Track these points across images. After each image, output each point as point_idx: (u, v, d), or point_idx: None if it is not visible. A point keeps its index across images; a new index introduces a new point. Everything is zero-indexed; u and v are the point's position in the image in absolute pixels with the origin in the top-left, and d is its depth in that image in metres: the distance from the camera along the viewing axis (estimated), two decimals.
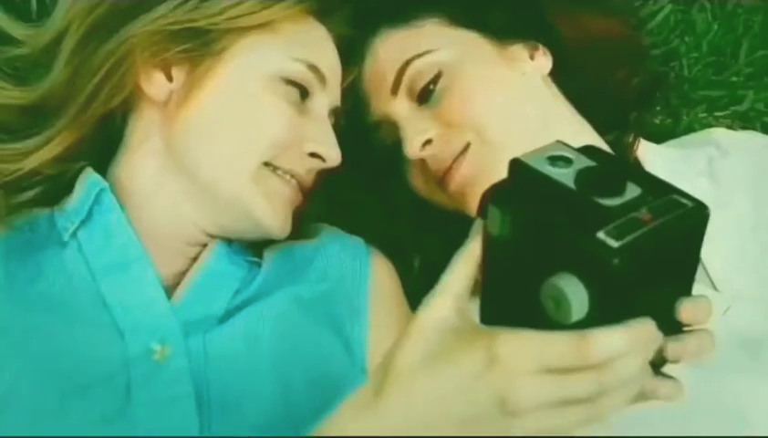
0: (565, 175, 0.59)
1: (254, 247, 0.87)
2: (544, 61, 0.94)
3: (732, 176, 0.98)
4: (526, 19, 0.94)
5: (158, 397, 0.72)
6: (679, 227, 0.57)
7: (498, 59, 0.91)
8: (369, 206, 1.02)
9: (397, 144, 0.92)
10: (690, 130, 1.18)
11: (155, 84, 0.82)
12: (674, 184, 0.99)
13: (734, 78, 1.23)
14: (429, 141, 0.89)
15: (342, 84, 0.91)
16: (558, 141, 0.62)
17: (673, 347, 0.61)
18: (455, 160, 0.88)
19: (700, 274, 0.91)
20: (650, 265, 0.56)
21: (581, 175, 0.58)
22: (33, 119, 0.83)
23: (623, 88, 1.04)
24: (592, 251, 0.54)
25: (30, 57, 0.85)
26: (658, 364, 0.62)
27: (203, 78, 0.81)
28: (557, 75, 0.96)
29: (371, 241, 0.92)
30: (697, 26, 1.23)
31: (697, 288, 0.89)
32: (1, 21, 0.86)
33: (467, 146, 0.88)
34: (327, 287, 0.84)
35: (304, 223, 0.89)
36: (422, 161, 0.91)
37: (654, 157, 1.00)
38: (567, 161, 0.60)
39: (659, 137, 1.11)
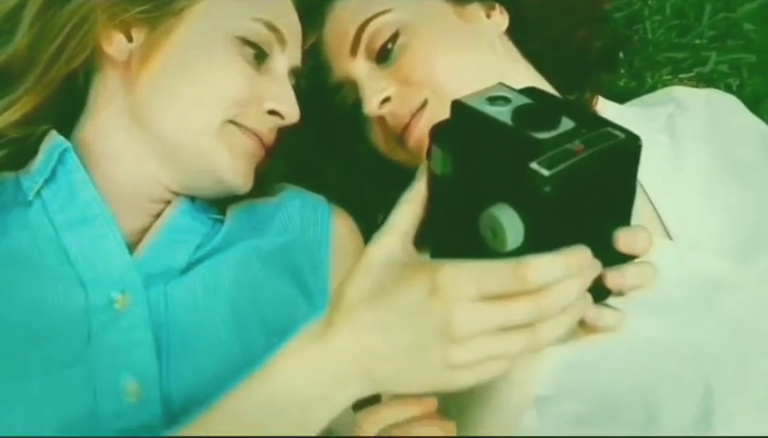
0: (502, 113, 0.60)
1: (217, 205, 0.89)
2: (500, 20, 0.96)
3: (690, 130, 1.00)
4: None
5: (116, 343, 0.74)
6: (611, 157, 0.59)
7: (454, 18, 0.93)
8: (332, 166, 1.04)
9: (358, 104, 0.93)
10: (654, 91, 1.20)
11: (115, 44, 0.84)
12: None
13: (697, 41, 1.25)
14: (387, 99, 0.91)
15: (303, 47, 0.92)
16: (500, 83, 0.64)
17: (612, 276, 0.62)
18: (413, 116, 0.90)
19: (655, 225, 0.94)
20: (583, 194, 0.58)
21: (517, 112, 0.60)
22: None
23: (583, 49, 1.06)
24: (525, 180, 0.56)
25: None
26: (601, 296, 0.64)
27: (163, 39, 0.82)
28: (515, 34, 0.98)
29: (334, 200, 0.94)
30: None
31: (653, 239, 0.91)
32: None
33: (424, 103, 0.90)
34: (288, 240, 0.87)
35: (267, 183, 0.91)
36: (382, 119, 0.93)
37: (614, 115, 1.02)
38: (506, 101, 0.62)
39: (623, 99, 1.13)
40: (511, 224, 0.57)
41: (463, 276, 0.57)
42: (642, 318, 0.86)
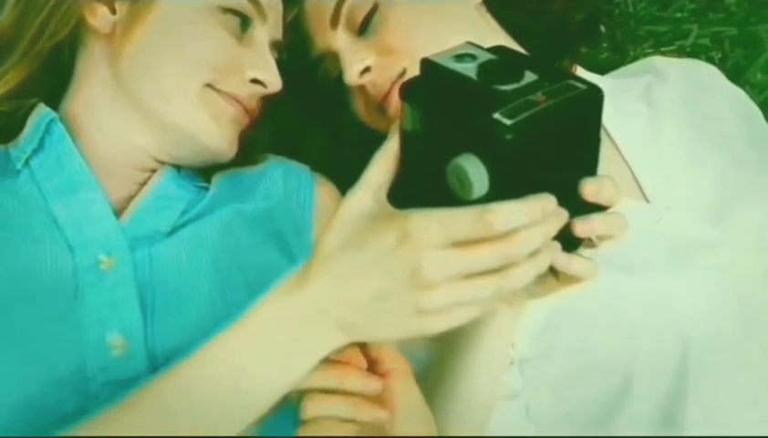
0: (468, 69, 0.63)
1: (203, 175, 0.91)
2: None
3: (668, 98, 1.02)
4: None
5: (102, 300, 0.76)
6: (572, 107, 0.61)
7: None
8: (315, 137, 1.06)
9: (340, 76, 0.96)
10: None
11: (99, 16, 0.86)
12: (612, 110, 1.03)
13: (679, 14, 1.27)
14: (367, 69, 0.93)
15: (284, 21, 0.94)
16: (468, 42, 0.66)
17: (580, 223, 0.65)
18: (393, 84, 0.92)
19: (632, 189, 0.96)
20: (546, 143, 0.60)
21: (482, 67, 0.63)
22: None
23: (562, 22, 1.07)
24: (488, 130, 0.58)
25: None
26: (571, 247, 0.67)
27: (144, 10, 0.84)
28: (492, 5, 1.00)
29: (317, 169, 0.96)
30: None
31: (630, 202, 0.94)
32: None
33: (403, 72, 0.92)
34: (271, 205, 0.89)
35: (251, 152, 0.93)
36: (363, 89, 0.95)
37: None
38: (473, 57, 0.64)
39: (605, 72, 1.14)
40: (476, 172, 0.60)
41: (432, 223, 0.60)
42: (619, 276, 0.89)
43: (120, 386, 0.68)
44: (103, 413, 0.66)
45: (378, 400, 0.70)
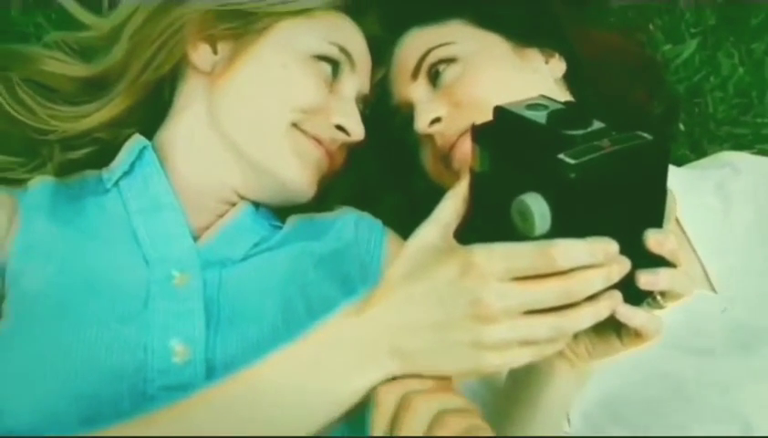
0: (538, 116, 0.66)
1: (279, 216, 0.95)
2: (558, 67, 1.01)
3: (741, 190, 1.02)
4: (544, 28, 1.01)
5: (170, 309, 0.80)
6: (637, 155, 0.63)
7: (513, 56, 0.98)
8: (392, 195, 1.09)
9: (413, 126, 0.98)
10: None
11: (201, 55, 0.91)
12: (685, 202, 1.04)
13: (759, 119, 1.27)
14: (437, 119, 0.95)
15: (372, 80, 0.99)
16: (541, 95, 0.70)
17: (645, 275, 0.65)
18: (460, 137, 0.94)
19: (701, 280, 0.96)
20: (609, 187, 0.62)
21: (552, 114, 0.66)
22: (93, 89, 0.93)
23: (640, 113, 1.09)
24: (552, 169, 0.61)
25: (95, 40, 0.96)
26: (635, 301, 0.67)
27: (243, 50, 0.90)
28: (572, 83, 1.03)
29: (391, 226, 0.98)
30: (722, 68, 1.28)
31: (697, 291, 0.94)
32: (74, 10, 0.98)
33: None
34: (341, 247, 0.91)
35: (328, 200, 0.97)
36: (431, 139, 0.97)
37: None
38: (544, 107, 0.67)
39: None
40: (539, 209, 0.62)
41: (495, 255, 0.62)
42: (682, 358, 0.88)
43: (177, 392, 0.70)
44: (162, 409, 0.68)
45: None
